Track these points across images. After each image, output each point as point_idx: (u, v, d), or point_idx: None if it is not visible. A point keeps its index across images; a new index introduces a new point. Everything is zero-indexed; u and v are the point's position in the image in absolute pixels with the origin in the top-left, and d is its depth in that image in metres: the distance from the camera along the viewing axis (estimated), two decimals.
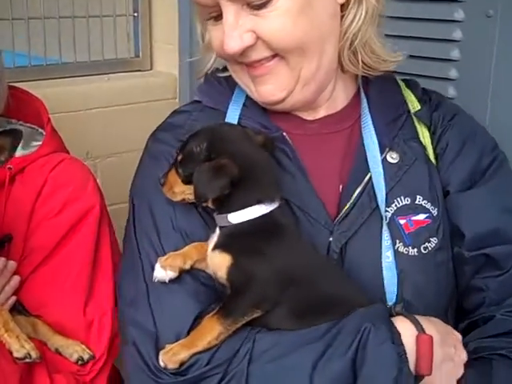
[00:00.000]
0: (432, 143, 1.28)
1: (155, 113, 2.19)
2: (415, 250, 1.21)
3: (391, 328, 1.06)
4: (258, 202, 1.12)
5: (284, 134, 1.24)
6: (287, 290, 1.10)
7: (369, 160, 1.23)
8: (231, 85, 1.30)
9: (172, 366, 1.08)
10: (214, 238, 1.15)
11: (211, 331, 1.08)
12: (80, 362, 1.35)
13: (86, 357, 1.36)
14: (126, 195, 2.23)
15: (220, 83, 1.32)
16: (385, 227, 1.20)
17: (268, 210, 1.12)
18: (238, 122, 1.25)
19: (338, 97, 1.29)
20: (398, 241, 1.20)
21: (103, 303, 1.43)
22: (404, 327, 1.07)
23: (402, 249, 1.20)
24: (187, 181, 1.13)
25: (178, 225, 1.19)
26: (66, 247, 1.43)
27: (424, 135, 1.28)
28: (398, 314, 1.11)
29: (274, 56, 1.18)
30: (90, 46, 2.24)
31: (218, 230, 1.15)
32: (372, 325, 1.05)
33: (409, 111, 1.29)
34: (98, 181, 2.07)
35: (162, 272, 1.13)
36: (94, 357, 1.37)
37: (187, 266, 1.15)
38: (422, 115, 1.29)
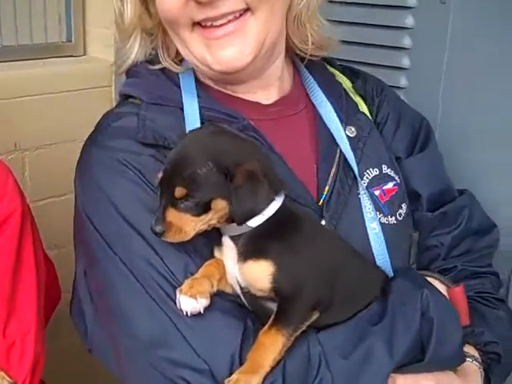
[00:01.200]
0: (371, 114, 1.31)
1: (89, 101, 2.10)
2: (393, 218, 1.23)
3: (438, 289, 1.08)
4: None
5: (250, 121, 1.16)
6: (333, 282, 1.04)
7: (335, 136, 1.23)
8: (171, 77, 1.20)
9: None
10: (231, 250, 1.04)
11: (274, 346, 0.98)
12: None
13: None
14: (56, 189, 2.12)
15: (157, 76, 1.21)
16: (366, 199, 1.20)
17: (280, 203, 1.03)
18: (200, 116, 1.15)
19: (285, 77, 1.28)
20: (378, 212, 1.21)
21: (26, 321, 1.29)
22: (437, 285, 1.11)
23: (383, 219, 1.22)
24: (201, 212, 0.99)
25: (181, 244, 1.05)
26: None
27: (363, 107, 1.31)
28: None
29: (242, 14, 1.11)
30: (17, 29, 2.08)
31: (229, 241, 1.04)
32: (428, 291, 1.06)
33: (341, 85, 1.32)
34: (26, 174, 1.96)
35: (192, 302, 0.99)
36: (15, 383, 1.23)
37: (215, 289, 1.03)
38: (359, 88, 1.32)
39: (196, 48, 1.15)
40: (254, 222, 1.01)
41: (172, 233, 1.00)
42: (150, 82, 1.20)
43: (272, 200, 1.02)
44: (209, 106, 1.16)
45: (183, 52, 1.18)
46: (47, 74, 2.08)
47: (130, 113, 1.16)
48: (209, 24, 1.12)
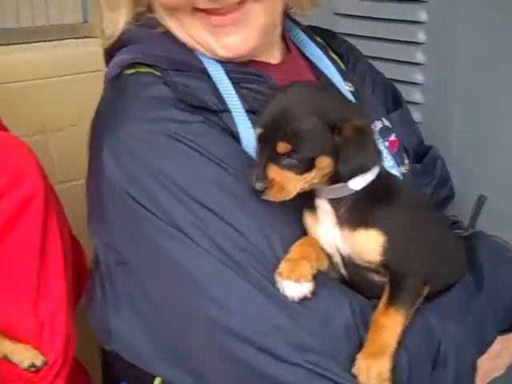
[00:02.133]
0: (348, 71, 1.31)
1: None
2: (404, 168, 1.23)
3: None
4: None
5: (276, 81, 1.13)
6: (437, 252, 1.02)
7: (341, 91, 1.20)
8: (179, 42, 1.13)
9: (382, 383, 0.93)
10: (327, 214, 0.98)
11: (395, 327, 0.94)
12: (32, 369, 1.24)
13: (38, 363, 1.24)
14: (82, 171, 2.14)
15: (168, 41, 1.13)
16: (383, 148, 1.18)
17: (379, 168, 0.98)
18: (230, 79, 1.09)
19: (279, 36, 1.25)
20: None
21: (55, 300, 1.31)
22: None
23: (398, 169, 1.21)
24: (304, 170, 0.93)
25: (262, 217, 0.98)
26: (8, 240, 1.26)
27: (341, 65, 1.30)
28: None
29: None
30: (33, 10, 2.09)
31: (325, 204, 0.98)
32: None
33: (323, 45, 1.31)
34: (53, 157, 1.99)
35: (298, 287, 0.93)
36: (48, 362, 1.26)
37: (314, 270, 0.96)
38: (337, 47, 1.31)
39: (197, 33, 1.10)
40: (358, 185, 0.96)
41: (274, 190, 0.93)
42: (163, 47, 1.11)
43: (378, 160, 0.97)
44: (232, 68, 1.10)
45: (181, 35, 1.12)
46: (65, 55, 2.09)
47: (154, 82, 1.07)
48: (212, 11, 1.07)
